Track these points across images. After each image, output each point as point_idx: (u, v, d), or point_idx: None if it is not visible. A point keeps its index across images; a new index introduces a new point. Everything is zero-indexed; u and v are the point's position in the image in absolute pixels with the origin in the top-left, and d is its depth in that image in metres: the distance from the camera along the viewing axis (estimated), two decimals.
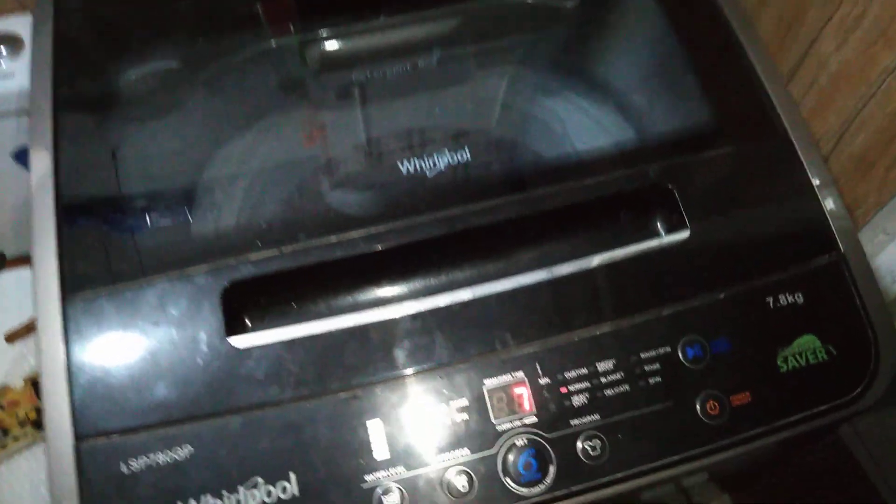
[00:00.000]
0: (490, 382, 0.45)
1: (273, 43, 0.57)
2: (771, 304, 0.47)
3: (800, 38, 0.61)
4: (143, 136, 0.54)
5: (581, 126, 0.55)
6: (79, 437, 0.43)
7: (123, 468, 0.43)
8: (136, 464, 0.43)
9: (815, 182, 0.50)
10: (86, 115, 0.54)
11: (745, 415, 0.45)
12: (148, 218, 0.50)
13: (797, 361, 0.46)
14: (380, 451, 0.44)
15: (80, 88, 0.54)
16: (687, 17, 0.59)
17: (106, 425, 0.43)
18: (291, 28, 0.58)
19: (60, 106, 0.52)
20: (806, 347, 0.46)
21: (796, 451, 0.55)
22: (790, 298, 0.47)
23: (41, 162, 0.50)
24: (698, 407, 0.45)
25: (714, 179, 0.50)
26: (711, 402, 0.45)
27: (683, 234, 0.49)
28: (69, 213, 0.48)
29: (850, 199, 0.62)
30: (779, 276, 0.48)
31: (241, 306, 0.47)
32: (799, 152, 0.51)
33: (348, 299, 0.48)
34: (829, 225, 0.49)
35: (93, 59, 0.57)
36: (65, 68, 0.54)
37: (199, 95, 0.56)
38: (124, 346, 0.45)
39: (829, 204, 0.50)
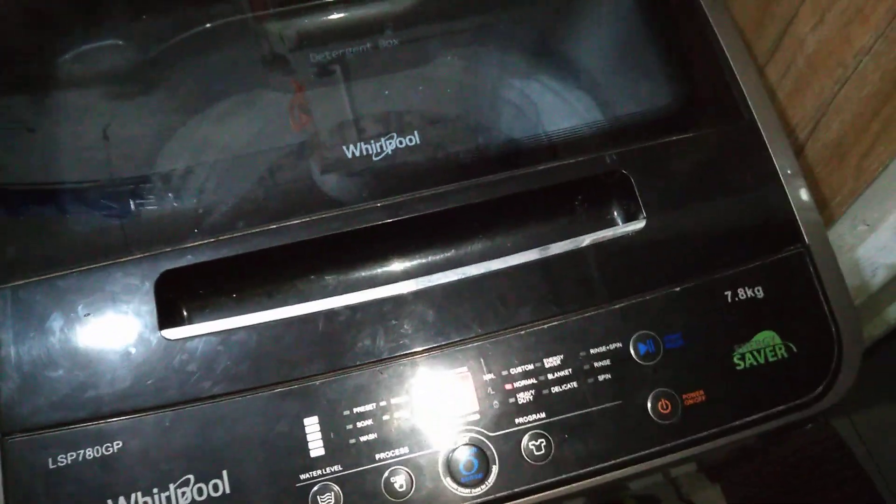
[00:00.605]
0: (430, 378, 0.43)
1: (220, 19, 0.55)
2: (729, 298, 0.45)
3: (777, 17, 0.58)
4: (76, 117, 0.52)
5: (537, 108, 0.53)
6: (4, 432, 0.42)
7: (51, 463, 0.41)
8: (65, 459, 0.41)
9: (782, 170, 0.48)
10: (19, 95, 0.52)
11: (699, 414, 0.43)
12: (82, 203, 0.48)
13: (755, 359, 0.44)
14: (316, 449, 0.42)
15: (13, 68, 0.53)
16: None
17: (33, 420, 0.42)
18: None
19: None
20: (765, 344, 0.44)
21: (770, 446, 0.53)
22: (749, 292, 0.45)
23: None
24: (649, 406, 0.43)
25: (674, 166, 0.48)
26: (663, 401, 0.43)
27: (639, 224, 0.46)
28: None
29: (826, 188, 0.60)
30: (738, 269, 0.45)
31: (175, 297, 0.46)
32: (765, 138, 0.49)
33: (285, 290, 0.47)
34: (795, 216, 0.47)
35: (30, 37, 0.55)
36: None
37: (142, 75, 0.54)
38: (53, 338, 0.43)
39: (795, 193, 0.47)
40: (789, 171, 0.48)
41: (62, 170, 0.49)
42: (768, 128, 0.49)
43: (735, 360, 0.44)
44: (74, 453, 0.41)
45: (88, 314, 0.44)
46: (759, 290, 0.45)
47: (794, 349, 0.44)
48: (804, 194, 0.47)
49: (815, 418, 0.45)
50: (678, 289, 0.45)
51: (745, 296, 0.45)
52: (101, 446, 0.41)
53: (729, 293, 0.45)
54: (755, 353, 0.44)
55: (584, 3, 0.58)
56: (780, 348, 0.44)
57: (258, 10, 0.54)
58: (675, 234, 0.46)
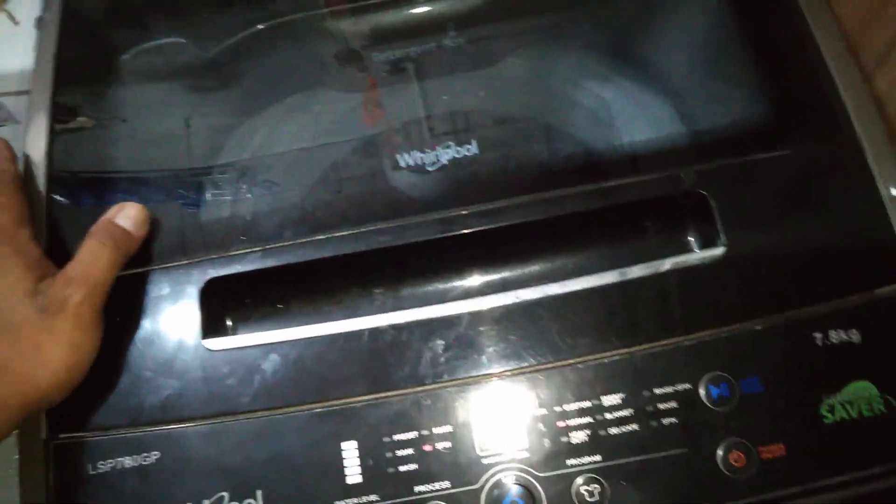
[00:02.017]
0: (479, 409, 0.40)
1: (283, 22, 0.53)
2: (819, 341, 0.39)
3: (893, 19, 0.51)
4: (130, 114, 0.51)
5: (608, 118, 0.48)
6: (51, 433, 0.42)
7: (91, 469, 0.41)
8: (104, 466, 0.41)
9: (886, 195, 0.42)
10: (86, 91, 0.52)
11: (777, 470, 0.38)
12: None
13: (846, 412, 0.38)
14: (352, 476, 0.40)
15: (83, 67, 0.53)
16: None
17: (77, 424, 0.42)
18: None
19: (61, 83, 0.51)
20: (859, 396, 0.39)
21: None
22: (844, 335, 0.39)
23: (37, 139, 0.49)
24: (720, 456, 0.38)
25: (760, 187, 0.43)
26: (736, 453, 0.38)
27: (718, 251, 0.42)
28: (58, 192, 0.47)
29: None
30: (831, 308, 0.40)
31: (220, 306, 0.44)
32: (869, 157, 0.43)
33: (330, 304, 0.44)
34: None
35: (100, 37, 0.55)
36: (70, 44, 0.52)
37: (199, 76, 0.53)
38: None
39: None
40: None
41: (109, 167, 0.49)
42: (873, 146, 0.43)
43: (823, 411, 0.39)
44: (113, 461, 0.41)
45: (133, 317, 0.43)
46: (854, 334, 0.39)
47: (895, 404, 0.39)
48: None
49: None
50: (759, 326, 0.40)
51: (837, 339, 0.39)
52: (140, 455, 0.41)
53: (819, 335, 0.40)
54: (847, 405, 0.39)
55: (668, 6, 0.53)
56: (878, 402, 0.39)
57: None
58: (757, 264, 0.41)
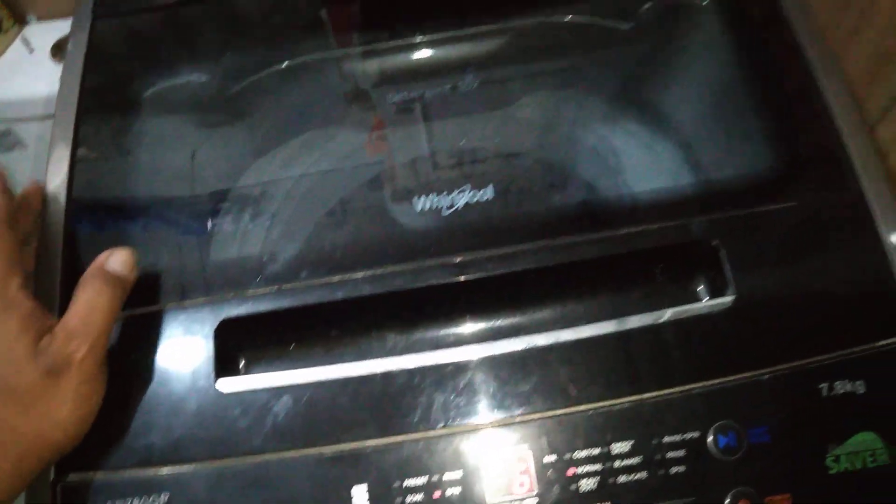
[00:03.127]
0: (488, 455, 0.40)
1: (296, 62, 0.54)
2: (824, 392, 0.40)
3: (895, 72, 0.53)
4: (143, 150, 0.52)
5: (621, 166, 0.49)
6: (58, 474, 0.41)
7: None
8: None
9: (890, 249, 0.43)
10: (108, 123, 0.53)
11: None
12: (146, 243, 0.47)
13: (851, 463, 0.39)
14: None
15: (107, 99, 0.53)
16: (758, 46, 0.52)
17: (86, 463, 0.42)
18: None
19: (84, 113, 0.52)
20: (864, 447, 0.39)
21: None
22: (849, 386, 0.40)
23: (59, 165, 0.50)
24: None
25: (768, 238, 0.44)
26: (743, 502, 0.39)
27: (727, 300, 0.42)
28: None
29: None
30: (837, 359, 0.41)
31: (233, 346, 0.45)
32: (873, 211, 0.44)
33: (343, 346, 0.45)
34: None
35: (123, 71, 0.56)
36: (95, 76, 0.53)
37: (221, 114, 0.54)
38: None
39: None
40: None
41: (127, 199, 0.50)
42: (878, 200, 0.44)
43: (828, 462, 0.39)
44: (122, 501, 0.41)
45: (145, 358, 0.44)
46: (859, 385, 0.40)
47: None
48: None
49: None
50: (766, 376, 0.41)
51: (842, 390, 0.40)
52: (149, 497, 0.41)
53: (825, 385, 0.40)
54: (852, 456, 0.39)
55: (677, 55, 0.55)
56: (882, 454, 0.39)
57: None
58: (765, 314, 0.42)
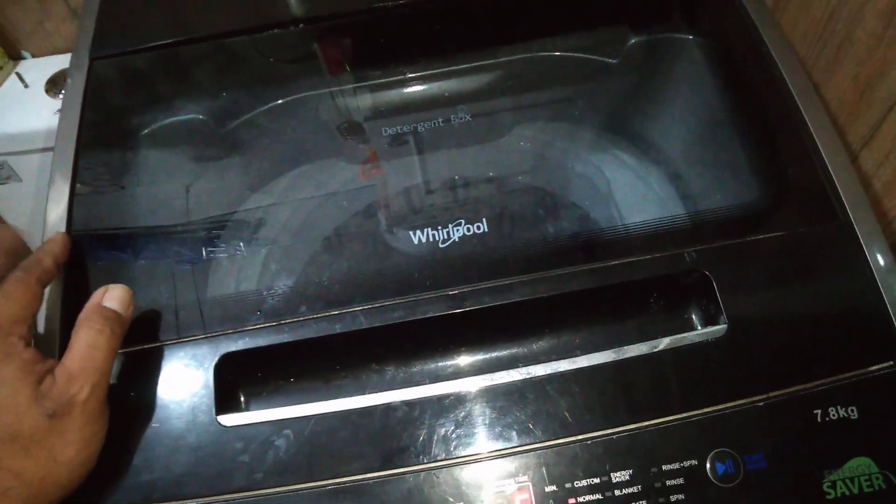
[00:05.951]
0: (490, 486, 0.41)
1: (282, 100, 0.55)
2: (819, 418, 0.41)
3: (877, 102, 0.54)
4: (136, 188, 0.53)
5: (613, 198, 0.50)
6: None
7: None
8: None
9: (878, 275, 0.44)
10: (105, 159, 0.53)
11: None
12: (143, 280, 0.48)
13: (847, 488, 0.40)
14: None
15: (104, 135, 0.54)
16: (743, 82, 0.54)
17: (89, 500, 0.41)
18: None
19: (83, 148, 0.53)
20: (859, 472, 0.40)
21: None
22: (842, 412, 0.41)
23: (58, 200, 0.51)
24: None
25: (759, 267, 0.45)
26: None
27: (720, 328, 0.43)
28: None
29: None
30: (830, 385, 0.42)
31: (233, 381, 0.45)
32: (861, 239, 0.45)
33: (342, 379, 0.45)
34: (893, 326, 0.43)
35: (120, 108, 0.57)
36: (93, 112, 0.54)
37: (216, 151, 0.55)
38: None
39: (894, 301, 0.43)
40: (887, 277, 0.44)
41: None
42: (864, 228, 0.45)
43: (825, 487, 0.40)
44: None
45: (146, 394, 0.44)
46: (853, 411, 0.41)
47: (894, 480, 0.40)
48: None
49: None
50: (761, 403, 0.41)
51: (836, 415, 0.41)
52: None
53: (819, 412, 0.41)
54: (848, 481, 0.40)
55: (665, 91, 0.56)
56: (877, 478, 0.40)
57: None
58: (759, 342, 0.43)
